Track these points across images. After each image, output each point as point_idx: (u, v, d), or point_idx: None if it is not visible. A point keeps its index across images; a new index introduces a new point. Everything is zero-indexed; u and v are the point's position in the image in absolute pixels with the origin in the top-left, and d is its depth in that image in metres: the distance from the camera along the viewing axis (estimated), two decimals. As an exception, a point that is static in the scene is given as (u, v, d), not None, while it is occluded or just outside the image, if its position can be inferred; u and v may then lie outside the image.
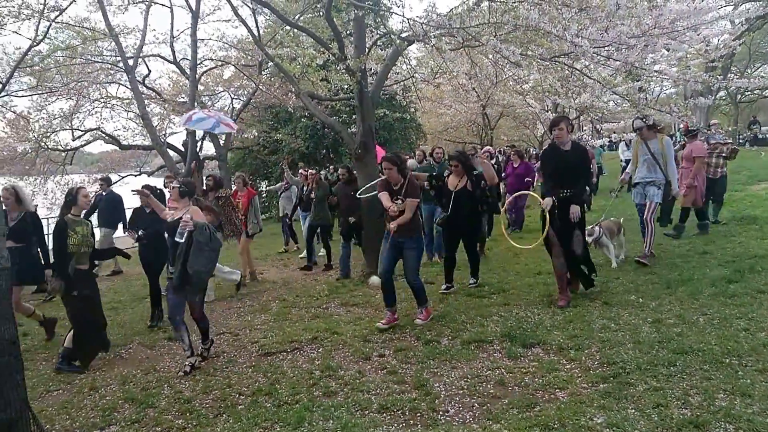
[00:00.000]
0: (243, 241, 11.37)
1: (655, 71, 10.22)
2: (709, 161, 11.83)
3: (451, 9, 8.82)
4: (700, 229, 11.33)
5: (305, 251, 13.10)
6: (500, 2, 8.38)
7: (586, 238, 8.33)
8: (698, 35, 9.07)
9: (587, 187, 8.42)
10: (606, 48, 8.50)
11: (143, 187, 8.64)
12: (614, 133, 28.61)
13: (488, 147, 15.36)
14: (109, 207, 13.24)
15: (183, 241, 6.30)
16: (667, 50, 9.49)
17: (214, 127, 10.42)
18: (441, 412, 4.83)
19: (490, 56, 10.88)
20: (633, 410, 4.44)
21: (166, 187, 10.37)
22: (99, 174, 18.96)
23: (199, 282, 6.57)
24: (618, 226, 9.80)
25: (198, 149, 18.07)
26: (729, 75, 29.39)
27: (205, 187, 10.36)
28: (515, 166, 14.78)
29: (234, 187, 12.13)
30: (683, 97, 17.81)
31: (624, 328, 6.30)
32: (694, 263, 8.88)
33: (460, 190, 8.57)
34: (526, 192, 9.80)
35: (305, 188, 13.07)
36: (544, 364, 5.55)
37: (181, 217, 6.44)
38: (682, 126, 12.00)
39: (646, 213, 9.21)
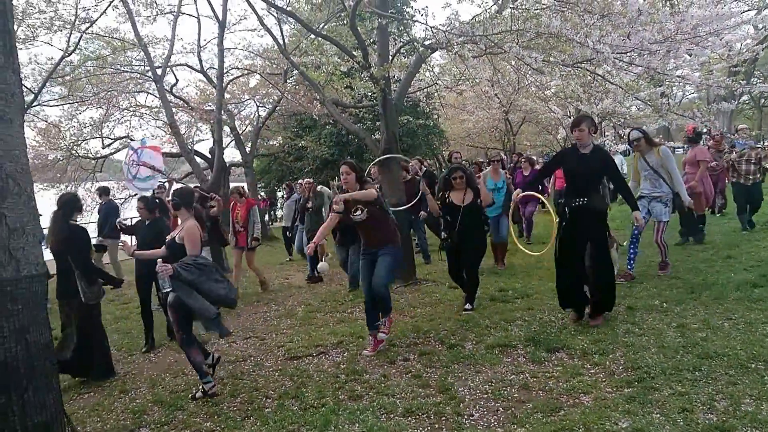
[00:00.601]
0: (247, 254, 11.26)
1: (678, 76, 10.16)
2: (738, 168, 11.68)
3: (474, 17, 8.86)
4: (696, 237, 11.11)
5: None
6: (522, 10, 8.43)
7: None
8: (721, 40, 8.96)
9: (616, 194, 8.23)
10: (628, 54, 8.50)
11: (139, 199, 8.68)
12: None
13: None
14: (109, 217, 13.23)
15: (170, 289, 5.71)
16: (690, 55, 9.41)
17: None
18: (465, 416, 4.86)
19: (513, 63, 10.91)
20: (658, 415, 4.45)
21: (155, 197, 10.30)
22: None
23: (226, 304, 6.15)
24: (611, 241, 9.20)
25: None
26: (752, 79, 29.11)
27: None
28: (525, 174, 13.99)
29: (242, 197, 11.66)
30: (706, 102, 17.64)
31: (648, 333, 6.30)
32: (718, 268, 8.84)
33: (468, 205, 8.07)
34: (532, 193, 8.76)
35: (300, 198, 12.92)
36: (568, 369, 5.58)
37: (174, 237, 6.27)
38: (686, 129, 11.43)
39: (655, 235, 8.82)
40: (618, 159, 17.28)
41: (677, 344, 5.84)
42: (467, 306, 8.11)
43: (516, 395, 5.17)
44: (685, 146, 13.18)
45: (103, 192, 14.12)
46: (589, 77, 11.05)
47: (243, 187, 12.07)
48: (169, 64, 16.99)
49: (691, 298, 7.41)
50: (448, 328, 7.31)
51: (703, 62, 11.60)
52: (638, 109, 19.53)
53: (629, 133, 8.96)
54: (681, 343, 5.85)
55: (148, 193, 11.13)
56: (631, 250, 8.86)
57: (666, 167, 8.48)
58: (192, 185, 11.89)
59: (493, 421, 4.76)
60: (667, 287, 8.06)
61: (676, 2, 8.62)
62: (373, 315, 6.95)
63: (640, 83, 10.25)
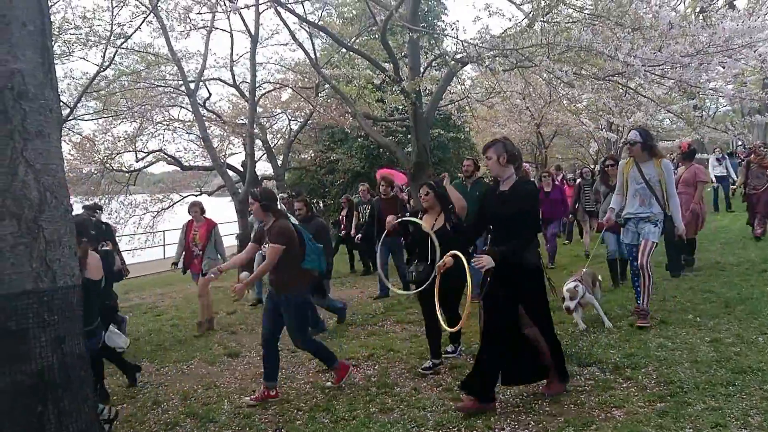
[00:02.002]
0: (201, 281, 9.67)
1: (711, 89, 10.02)
2: None
3: (505, 30, 8.89)
4: (688, 263, 9.84)
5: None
6: (553, 23, 8.43)
7: (567, 303, 7.08)
8: (754, 52, 8.81)
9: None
10: (660, 67, 8.43)
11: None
12: (672, 153, 27.63)
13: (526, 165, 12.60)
14: None
15: None
16: (723, 68, 9.27)
17: None
18: (497, 430, 4.85)
19: (544, 76, 10.91)
20: (691, 430, 4.40)
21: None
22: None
23: None
24: (594, 277, 7.92)
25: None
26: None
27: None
28: (547, 191, 12.02)
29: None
30: (740, 115, 17.39)
31: (681, 347, 6.22)
32: (753, 282, 8.70)
33: (439, 231, 6.47)
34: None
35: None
36: (600, 383, 5.53)
37: None
38: (680, 146, 10.27)
39: (640, 256, 7.06)
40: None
41: (710, 359, 5.77)
42: (449, 348, 6.99)
43: (547, 409, 5.14)
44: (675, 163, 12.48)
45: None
46: (620, 90, 10.98)
47: (202, 203, 10.52)
48: (202, 78, 17.23)
49: (725, 313, 7.30)
50: (478, 342, 7.27)
51: (737, 74, 11.48)
52: (671, 122, 19.37)
53: (628, 133, 7.60)
54: (714, 358, 5.77)
55: None
56: (636, 283, 7.35)
57: (664, 183, 7.06)
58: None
59: (524, 434, 4.74)
60: (701, 301, 7.96)
61: (708, 14, 8.55)
62: (269, 360, 6.29)
63: (672, 96, 10.15)
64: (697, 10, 10.71)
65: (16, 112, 3.25)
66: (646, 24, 7.82)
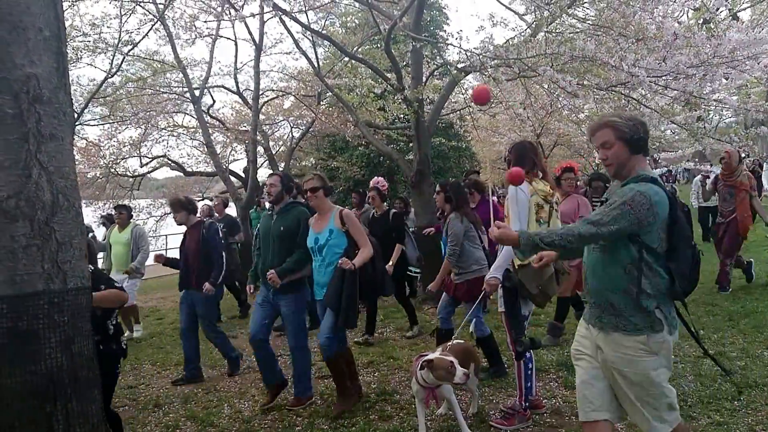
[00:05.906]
0: None
1: (715, 100, 10.03)
2: None
3: (508, 40, 8.93)
4: (550, 332, 7.75)
5: None
6: (557, 33, 8.47)
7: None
8: (759, 64, 8.80)
9: None
10: (664, 77, 8.44)
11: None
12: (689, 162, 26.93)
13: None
14: None
15: None
16: (726, 79, 9.26)
17: None
18: (497, 439, 4.87)
19: (546, 86, 10.94)
20: (695, 444, 4.41)
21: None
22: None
23: None
24: (468, 354, 5.43)
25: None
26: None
27: None
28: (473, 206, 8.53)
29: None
30: (743, 126, 17.39)
31: (684, 361, 6.23)
32: (757, 295, 8.71)
33: None
34: None
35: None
36: (602, 393, 5.53)
37: None
38: (572, 168, 8.43)
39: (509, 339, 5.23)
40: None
41: (715, 373, 5.76)
42: None
43: (548, 420, 5.15)
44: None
45: None
46: (623, 101, 11.00)
47: None
48: (206, 85, 17.30)
49: (729, 326, 7.31)
50: (478, 352, 7.28)
51: (741, 86, 11.48)
52: (673, 132, 19.38)
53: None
54: (719, 372, 5.75)
55: None
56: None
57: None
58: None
59: (525, 444, 4.75)
60: (705, 314, 7.96)
61: (712, 26, 8.58)
62: None
63: (675, 107, 10.15)
64: (701, 21, 10.73)
65: (31, 115, 3.29)
66: (650, 35, 7.85)
